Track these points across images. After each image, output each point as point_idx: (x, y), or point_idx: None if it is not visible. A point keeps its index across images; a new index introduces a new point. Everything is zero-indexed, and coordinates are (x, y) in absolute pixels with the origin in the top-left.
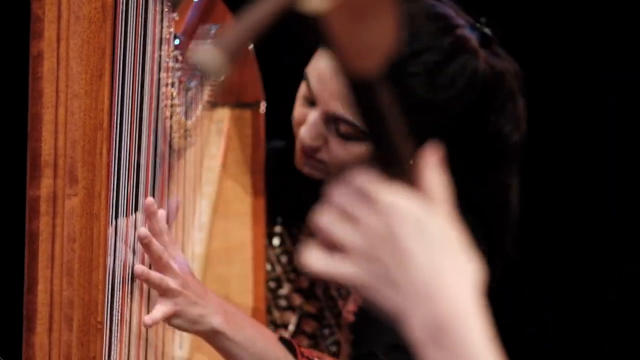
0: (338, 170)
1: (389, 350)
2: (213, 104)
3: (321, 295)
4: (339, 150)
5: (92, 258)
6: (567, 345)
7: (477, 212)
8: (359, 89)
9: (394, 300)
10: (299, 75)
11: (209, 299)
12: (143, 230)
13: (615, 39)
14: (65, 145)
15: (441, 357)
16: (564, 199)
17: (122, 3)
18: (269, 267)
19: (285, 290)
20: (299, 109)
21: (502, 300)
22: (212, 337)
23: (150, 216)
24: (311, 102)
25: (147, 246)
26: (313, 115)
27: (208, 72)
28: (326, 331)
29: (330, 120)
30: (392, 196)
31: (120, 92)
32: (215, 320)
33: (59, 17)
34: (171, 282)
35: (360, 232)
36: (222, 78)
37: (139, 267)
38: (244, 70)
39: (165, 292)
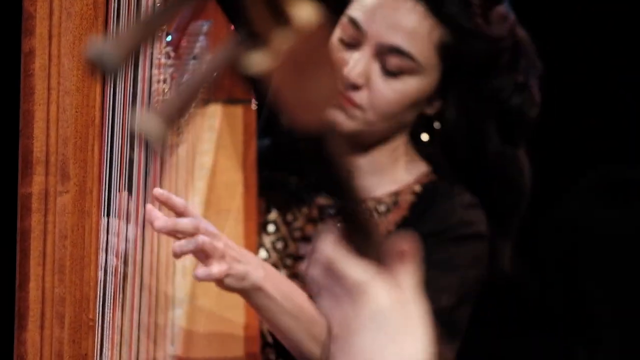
0: (377, 118)
1: None
2: (205, 100)
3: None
4: (384, 89)
5: (83, 255)
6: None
7: (487, 187)
8: (308, 141)
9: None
10: None
11: (249, 255)
12: (158, 190)
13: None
14: (57, 142)
15: None
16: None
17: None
18: (264, 254)
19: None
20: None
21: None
22: (253, 293)
23: (165, 202)
24: (352, 44)
25: (166, 203)
26: (359, 53)
27: (148, 138)
28: None
29: (382, 53)
30: (359, 276)
31: (112, 89)
32: (258, 276)
33: (51, 14)
34: (216, 242)
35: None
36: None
37: (200, 237)
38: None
39: (214, 252)
